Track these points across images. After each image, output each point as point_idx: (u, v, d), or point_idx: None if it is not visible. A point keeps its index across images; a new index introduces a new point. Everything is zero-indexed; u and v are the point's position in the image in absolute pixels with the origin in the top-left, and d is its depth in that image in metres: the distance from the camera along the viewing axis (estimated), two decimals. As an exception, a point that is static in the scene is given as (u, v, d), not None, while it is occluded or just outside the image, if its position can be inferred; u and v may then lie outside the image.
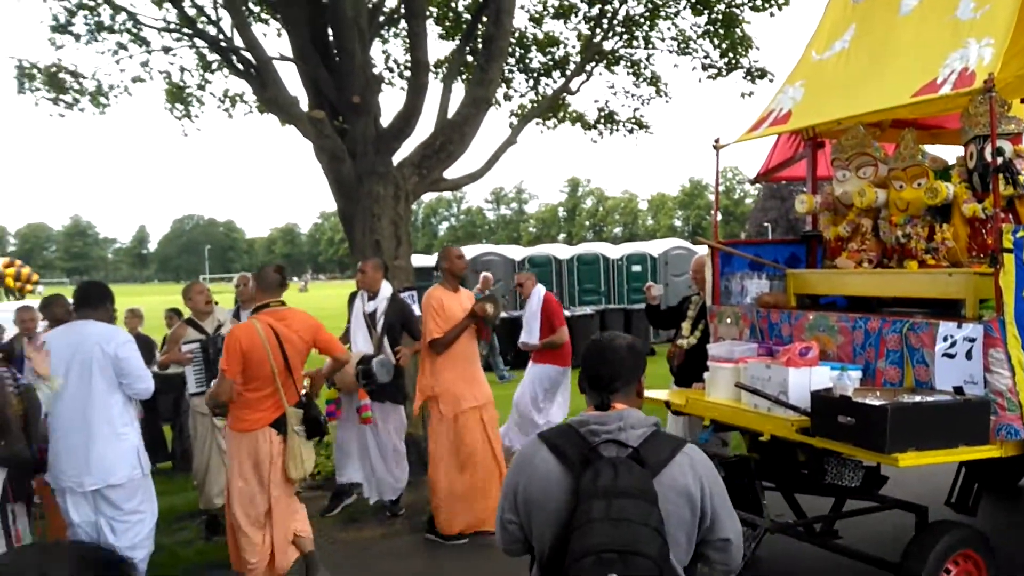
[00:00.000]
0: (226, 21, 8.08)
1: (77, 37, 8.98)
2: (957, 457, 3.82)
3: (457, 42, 9.16)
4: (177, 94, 10.05)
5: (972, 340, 3.70)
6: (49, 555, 0.88)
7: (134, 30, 9.08)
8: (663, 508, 1.94)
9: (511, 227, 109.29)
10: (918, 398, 3.64)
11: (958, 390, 3.70)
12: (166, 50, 9.41)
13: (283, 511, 4.54)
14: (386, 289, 6.13)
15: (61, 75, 9.02)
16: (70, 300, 5.42)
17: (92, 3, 8.79)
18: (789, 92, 5.10)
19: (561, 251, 19.51)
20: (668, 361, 5.94)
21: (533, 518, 2.10)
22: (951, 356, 3.74)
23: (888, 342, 4.04)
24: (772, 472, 4.68)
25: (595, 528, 1.89)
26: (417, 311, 6.83)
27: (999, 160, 3.87)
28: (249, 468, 4.47)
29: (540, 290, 7.67)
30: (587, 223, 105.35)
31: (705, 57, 10.16)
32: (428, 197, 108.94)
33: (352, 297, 6.30)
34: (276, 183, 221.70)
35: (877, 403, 3.53)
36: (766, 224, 40.43)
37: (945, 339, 3.75)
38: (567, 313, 14.98)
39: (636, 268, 18.75)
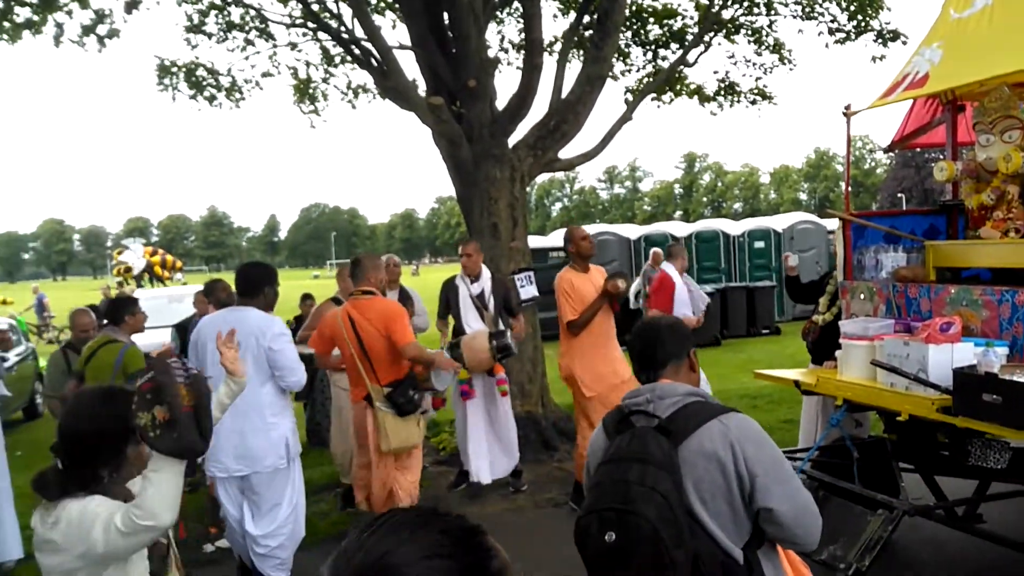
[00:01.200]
0: (347, 14, 8.36)
1: (210, 35, 9.53)
2: (1120, 439, 3.54)
3: (571, 19, 9.10)
4: (304, 89, 10.51)
5: None
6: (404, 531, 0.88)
7: (261, 26, 9.56)
8: (692, 475, 1.98)
9: (625, 206, 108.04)
10: (1074, 376, 3.40)
11: (1121, 367, 3.43)
12: (292, 46, 9.85)
13: (381, 471, 4.95)
14: (486, 270, 6.32)
15: (199, 72, 9.60)
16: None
17: (221, 3, 9.28)
18: (926, 54, 4.81)
19: (679, 228, 19.14)
20: (803, 336, 5.74)
21: None
22: (1113, 331, 3.46)
23: (1040, 316, 3.77)
24: (911, 453, 4.48)
25: (600, 490, 2.02)
26: (534, 292, 6.89)
27: None
28: (361, 428, 5.02)
29: None
30: (705, 199, 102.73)
31: (831, 21, 9.69)
32: (541, 178, 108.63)
33: (448, 285, 6.30)
34: (395, 170, 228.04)
35: (1027, 381, 3.31)
36: (900, 195, 38.32)
37: (1106, 312, 3.47)
38: (686, 291, 14.79)
39: (759, 244, 18.14)
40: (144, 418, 2.03)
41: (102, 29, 8.17)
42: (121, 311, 5.11)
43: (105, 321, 5.35)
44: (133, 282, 31.29)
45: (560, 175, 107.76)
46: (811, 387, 4.67)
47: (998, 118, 4.62)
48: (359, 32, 7.86)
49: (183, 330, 6.54)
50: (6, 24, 7.28)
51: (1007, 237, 4.46)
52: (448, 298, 6.27)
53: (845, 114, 5.07)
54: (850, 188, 5.74)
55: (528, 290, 6.78)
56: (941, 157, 5.49)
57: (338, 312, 4.96)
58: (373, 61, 7.86)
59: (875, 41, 9.54)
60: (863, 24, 9.51)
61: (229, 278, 5.59)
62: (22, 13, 7.12)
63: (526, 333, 7.35)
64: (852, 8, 9.51)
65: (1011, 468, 4.14)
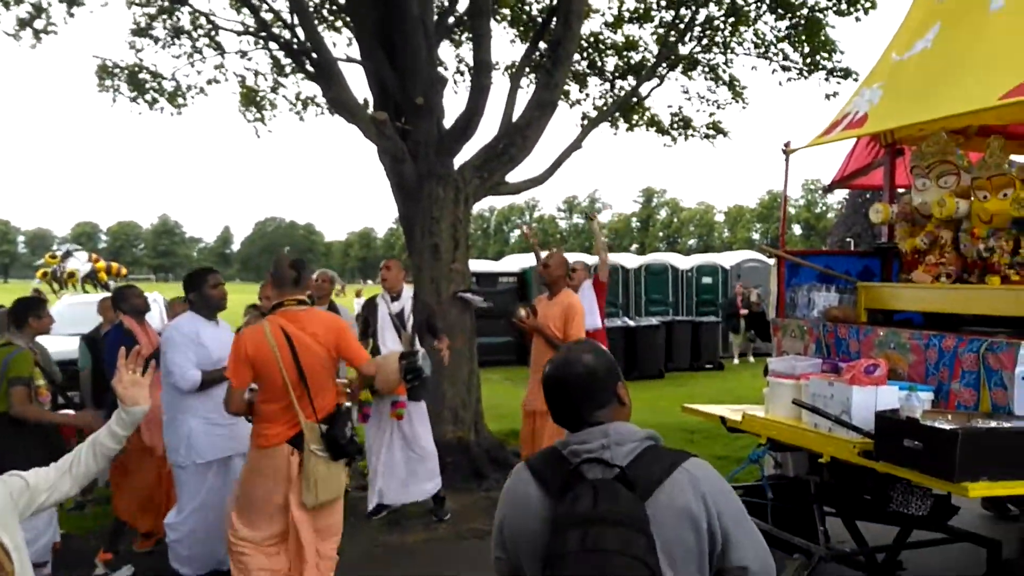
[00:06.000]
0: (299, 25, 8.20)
1: (156, 40, 9.29)
2: (1037, 490, 3.49)
3: (527, 45, 9.08)
4: (250, 97, 10.29)
5: (1059, 363, 3.39)
6: None
7: (211, 33, 9.35)
8: (662, 536, 1.69)
9: (583, 236, 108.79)
10: (994, 423, 3.35)
11: (1041, 417, 3.39)
12: (242, 54, 9.64)
13: (308, 534, 3.84)
14: (408, 289, 6.23)
15: (141, 75, 9.34)
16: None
17: (171, 7, 9.06)
18: (866, 95, 4.82)
19: (629, 260, 19.23)
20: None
21: (520, 553, 1.85)
22: (1034, 380, 3.43)
23: (964, 362, 3.74)
24: (833, 497, 4.40)
25: (568, 561, 1.65)
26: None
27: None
28: (269, 486, 3.80)
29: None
30: (661, 234, 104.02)
31: (784, 59, 9.83)
32: (501, 204, 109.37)
33: (369, 304, 6.19)
34: (355, 188, 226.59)
35: (947, 427, 3.25)
36: (848, 239, 39.07)
37: (1028, 361, 3.44)
38: (632, 324, 14.77)
39: (706, 280, 18.37)
40: None
41: (39, 24, 7.90)
42: (25, 313, 4.79)
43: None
44: (77, 286, 30.35)
45: (520, 202, 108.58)
46: (737, 425, 4.58)
47: (935, 163, 4.64)
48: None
49: (92, 341, 5.92)
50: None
51: (938, 282, 4.45)
52: (367, 317, 6.09)
53: (784, 151, 5.06)
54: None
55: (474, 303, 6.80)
56: (880, 199, 5.52)
57: (262, 329, 3.76)
58: (320, 72, 7.70)
59: (826, 79, 9.71)
60: (815, 63, 9.67)
61: (177, 288, 5.49)
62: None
63: (463, 357, 7.21)
64: (806, 51, 9.67)
65: (932, 515, 4.09)
